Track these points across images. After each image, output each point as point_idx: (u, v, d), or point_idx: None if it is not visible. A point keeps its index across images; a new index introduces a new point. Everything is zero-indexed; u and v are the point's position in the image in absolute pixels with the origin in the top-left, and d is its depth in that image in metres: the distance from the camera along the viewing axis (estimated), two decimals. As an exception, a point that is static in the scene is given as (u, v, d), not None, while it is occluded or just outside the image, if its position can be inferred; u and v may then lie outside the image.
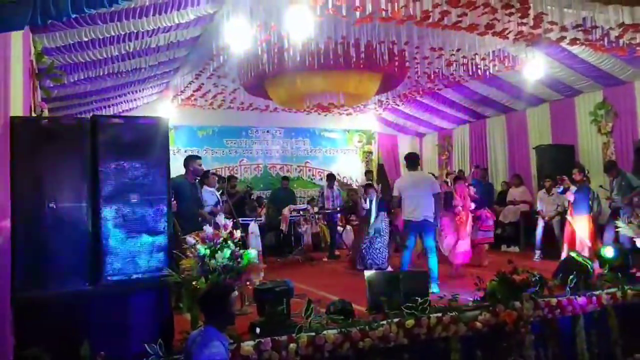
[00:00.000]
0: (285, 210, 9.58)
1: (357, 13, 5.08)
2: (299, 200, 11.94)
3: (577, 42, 6.45)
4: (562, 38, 6.22)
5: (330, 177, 10.61)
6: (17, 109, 3.78)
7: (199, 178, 6.41)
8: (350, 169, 13.44)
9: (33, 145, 3.51)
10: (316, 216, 10.50)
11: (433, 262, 6.36)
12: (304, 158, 13.14)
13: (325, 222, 10.87)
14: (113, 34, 5.50)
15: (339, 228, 10.70)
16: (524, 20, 5.70)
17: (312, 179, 13.17)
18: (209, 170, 7.67)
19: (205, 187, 6.66)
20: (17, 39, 3.71)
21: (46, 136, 3.57)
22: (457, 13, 5.49)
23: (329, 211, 10.20)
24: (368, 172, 12.57)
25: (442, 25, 5.75)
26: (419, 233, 6.57)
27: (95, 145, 3.65)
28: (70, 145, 3.63)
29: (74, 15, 3.21)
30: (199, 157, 6.28)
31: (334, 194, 10.49)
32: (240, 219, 7.57)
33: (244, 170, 12.37)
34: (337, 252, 9.89)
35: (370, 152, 13.87)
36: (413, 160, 6.95)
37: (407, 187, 6.63)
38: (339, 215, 10.54)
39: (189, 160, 6.01)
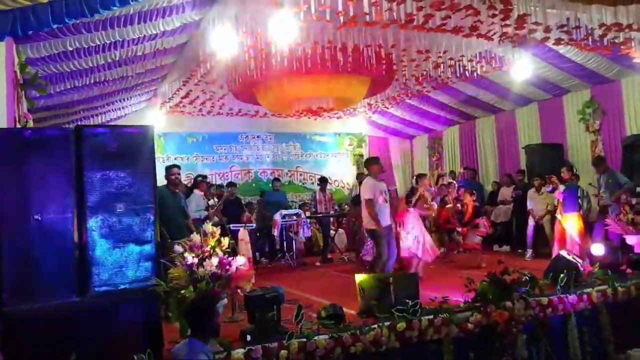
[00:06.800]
0: (277, 216, 9.55)
1: (341, 18, 5.08)
2: (290, 205, 11.90)
3: (562, 41, 6.50)
4: (547, 38, 6.26)
5: (323, 181, 10.60)
6: (0, 120, 3.76)
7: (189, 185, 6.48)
8: (342, 172, 13.46)
9: (16, 156, 3.48)
10: (308, 220, 10.47)
11: None
12: (295, 163, 13.12)
13: (318, 226, 10.85)
14: (98, 42, 5.49)
15: (332, 232, 10.68)
16: (508, 22, 5.73)
17: (303, 184, 13.15)
18: (199, 176, 7.71)
19: (195, 191, 6.73)
20: (-1, 49, 3.69)
21: (30, 147, 3.54)
22: (441, 16, 5.52)
23: (321, 215, 10.19)
24: (360, 175, 12.55)
25: (427, 28, 5.78)
26: None
27: (79, 156, 3.63)
28: (55, 156, 3.60)
29: (54, 26, 3.17)
30: (176, 166, 6.17)
31: (326, 198, 10.48)
32: (230, 225, 7.56)
33: (235, 176, 12.32)
34: (329, 256, 9.87)
35: (362, 155, 13.81)
36: None
37: None
38: (331, 219, 10.53)
39: (167, 170, 6.02)
